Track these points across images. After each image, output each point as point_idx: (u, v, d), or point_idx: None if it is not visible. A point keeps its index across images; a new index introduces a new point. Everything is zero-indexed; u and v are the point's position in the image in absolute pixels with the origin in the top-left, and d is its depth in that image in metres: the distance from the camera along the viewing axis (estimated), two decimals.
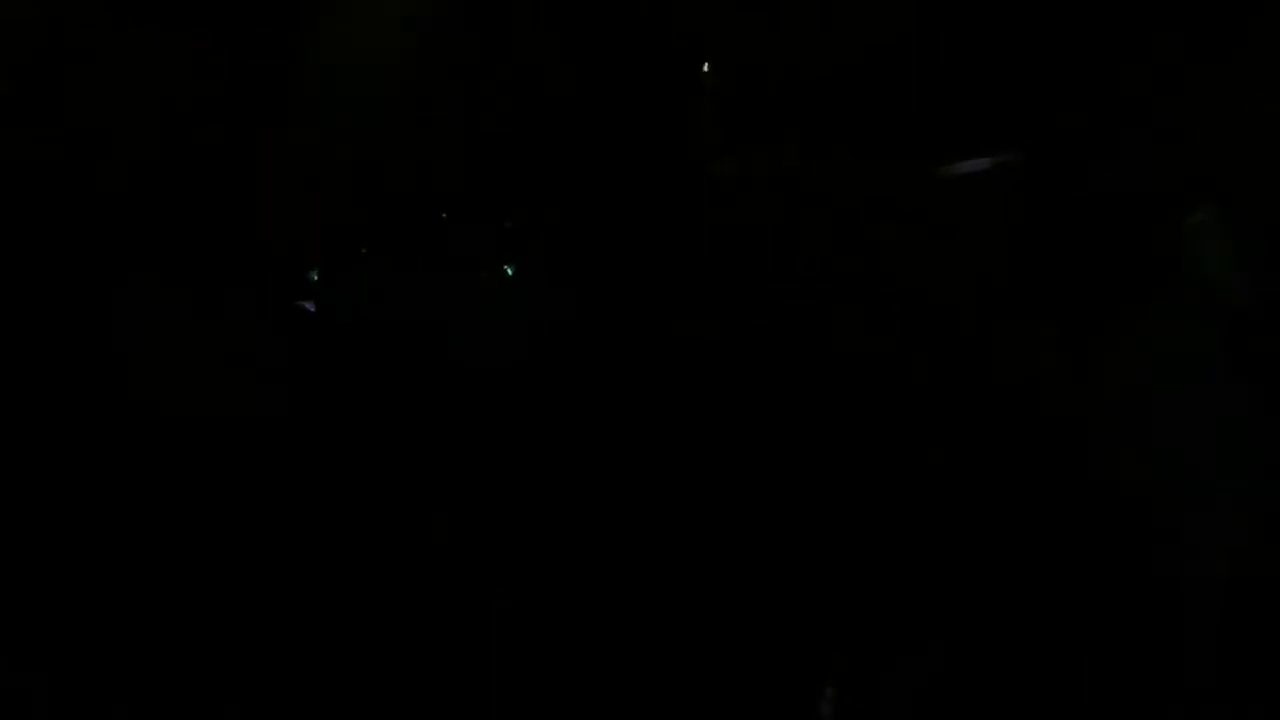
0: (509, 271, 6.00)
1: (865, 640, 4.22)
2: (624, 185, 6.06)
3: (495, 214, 6.18)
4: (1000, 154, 5.77)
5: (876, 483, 4.96)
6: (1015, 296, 5.45)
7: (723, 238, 5.82)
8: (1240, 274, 4.03)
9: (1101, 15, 5.51)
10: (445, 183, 6.14)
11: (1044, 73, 5.62)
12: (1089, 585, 4.25)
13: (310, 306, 5.89)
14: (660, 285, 5.78)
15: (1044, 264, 5.50)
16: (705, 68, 6.07)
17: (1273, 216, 4.68)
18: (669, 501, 4.91)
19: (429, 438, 5.26)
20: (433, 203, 6.15)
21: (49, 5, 5.72)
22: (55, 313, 5.32)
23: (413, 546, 4.67)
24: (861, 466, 5.03)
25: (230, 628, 4.17)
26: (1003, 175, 5.78)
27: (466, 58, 6.09)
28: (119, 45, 5.72)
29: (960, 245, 5.67)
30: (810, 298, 5.60)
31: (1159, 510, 3.96)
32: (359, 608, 4.35)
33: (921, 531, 4.69)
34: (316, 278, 5.97)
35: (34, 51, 5.64)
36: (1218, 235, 4.07)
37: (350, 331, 5.79)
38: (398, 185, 6.09)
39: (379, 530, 4.76)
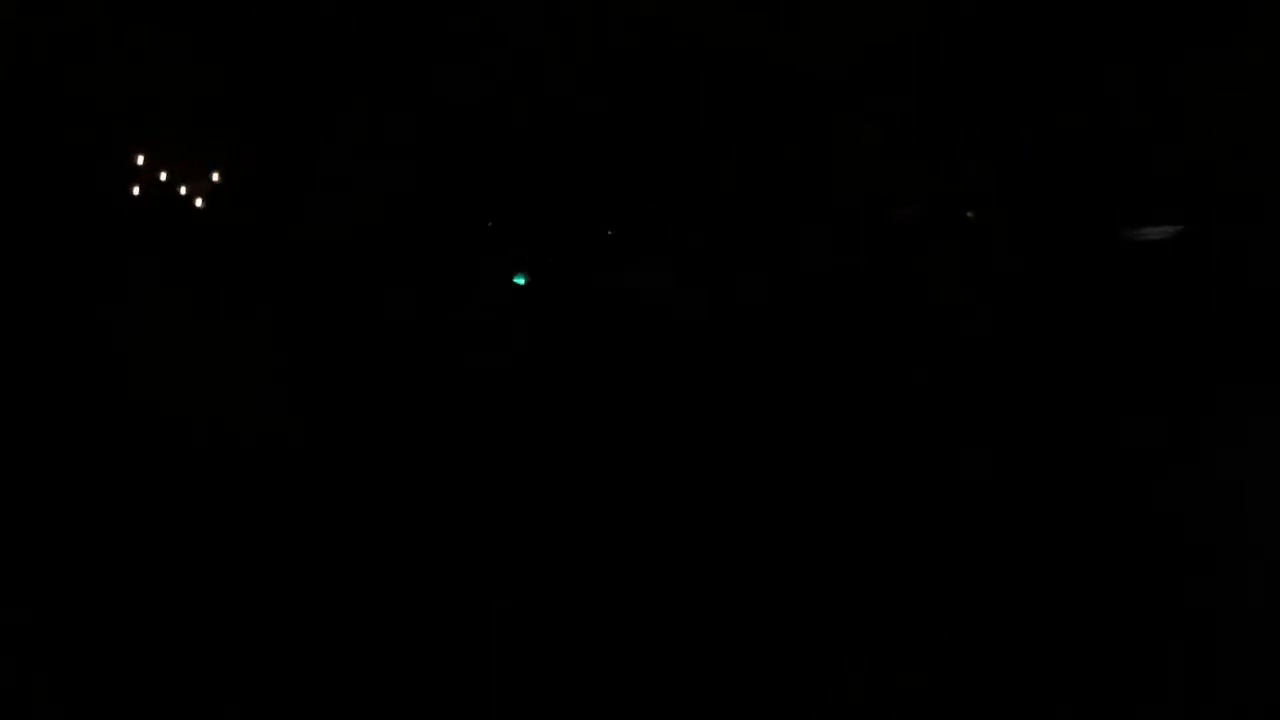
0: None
1: (866, 642, 4.21)
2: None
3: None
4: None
5: (880, 485, 4.95)
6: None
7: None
8: None
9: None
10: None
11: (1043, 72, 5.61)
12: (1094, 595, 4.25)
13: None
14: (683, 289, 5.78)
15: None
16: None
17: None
18: (672, 502, 4.91)
19: (430, 438, 5.26)
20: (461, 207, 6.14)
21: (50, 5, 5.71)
22: (57, 313, 5.31)
23: (413, 546, 4.67)
24: (865, 469, 5.03)
25: (230, 628, 4.17)
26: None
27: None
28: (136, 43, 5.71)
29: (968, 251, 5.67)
30: (817, 300, 5.59)
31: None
32: (359, 607, 4.34)
33: (924, 534, 4.69)
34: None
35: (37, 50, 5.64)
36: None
37: (361, 335, 5.78)
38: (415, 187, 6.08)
39: (380, 530, 4.76)
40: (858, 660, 4.09)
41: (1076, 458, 4.94)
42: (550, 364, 5.62)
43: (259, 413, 5.12)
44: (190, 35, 5.86)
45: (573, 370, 5.59)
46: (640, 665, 4.08)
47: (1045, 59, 5.60)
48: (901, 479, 4.96)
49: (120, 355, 5.23)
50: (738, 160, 6.00)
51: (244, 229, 5.89)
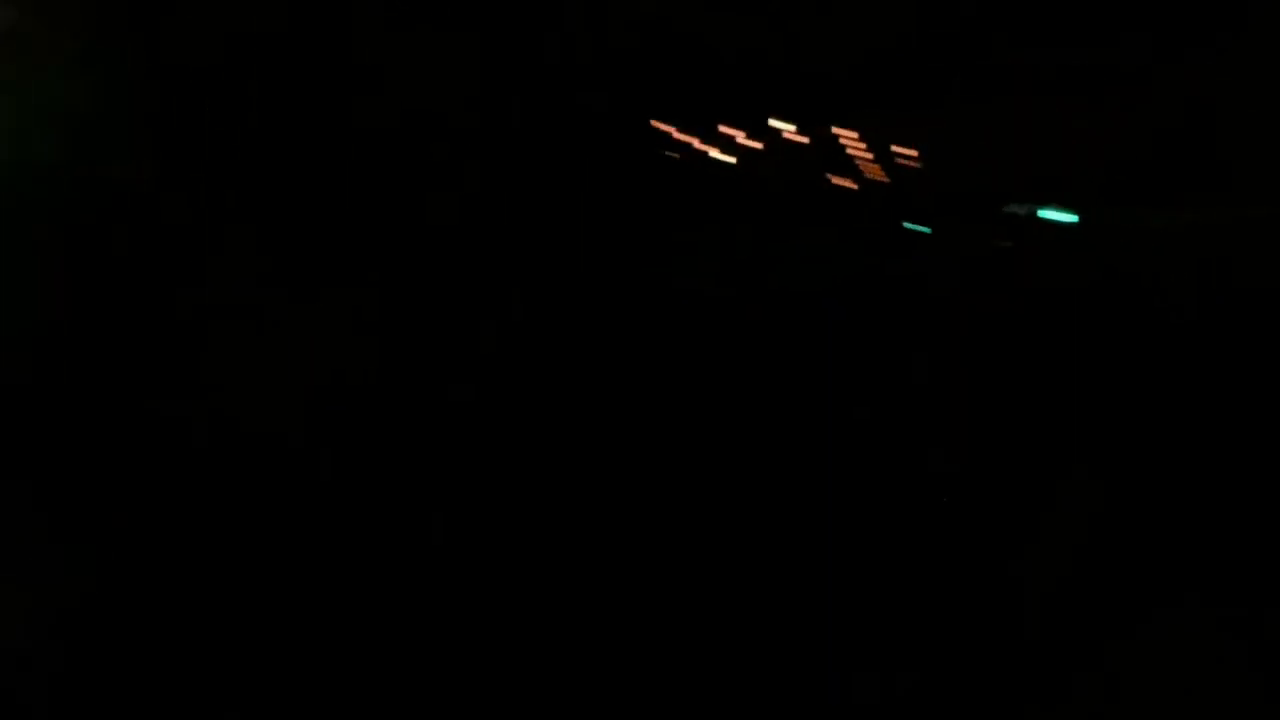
0: None
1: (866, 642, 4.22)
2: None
3: None
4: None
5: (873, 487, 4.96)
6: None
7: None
8: None
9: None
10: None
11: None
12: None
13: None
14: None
15: None
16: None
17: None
18: (664, 502, 4.91)
19: (430, 439, 5.26)
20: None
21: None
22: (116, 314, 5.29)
23: (412, 547, 4.67)
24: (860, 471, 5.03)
25: (231, 628, 4.18)
26: None
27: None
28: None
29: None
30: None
31: None
32: (359, 608, 4.35)
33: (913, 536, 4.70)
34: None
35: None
36: None
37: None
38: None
39: (379, 530, 4.76)
40: (858, 660, 4.09)
41: (1077, 458, 4.95)
42: (553, 363, 5.62)
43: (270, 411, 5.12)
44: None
45: (575, 368, 5.59)
46: (639, 665, 4.08)
47: (1043, 58, 5.60)
48: (900, 478, 4.96)
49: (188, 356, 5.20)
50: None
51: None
